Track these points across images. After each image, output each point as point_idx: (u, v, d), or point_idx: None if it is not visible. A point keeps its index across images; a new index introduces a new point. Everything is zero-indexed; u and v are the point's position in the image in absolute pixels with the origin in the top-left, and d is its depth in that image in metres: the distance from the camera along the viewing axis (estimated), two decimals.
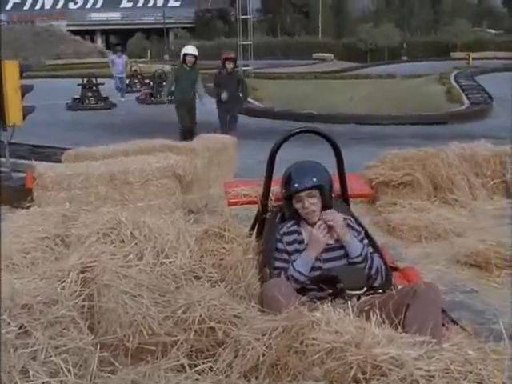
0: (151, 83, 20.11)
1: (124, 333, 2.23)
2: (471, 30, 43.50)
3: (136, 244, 2.87)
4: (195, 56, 9.37)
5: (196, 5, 53.77)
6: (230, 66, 9.70)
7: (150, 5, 55.10)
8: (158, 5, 55.08)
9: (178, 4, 50.90)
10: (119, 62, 19.11)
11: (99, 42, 55.85)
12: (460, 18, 44.88)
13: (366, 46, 41.40)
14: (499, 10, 52.98)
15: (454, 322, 2.85)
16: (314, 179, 2.77)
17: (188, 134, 9.09)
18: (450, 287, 4.00)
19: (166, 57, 47.33)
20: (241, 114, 16.08)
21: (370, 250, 2.87)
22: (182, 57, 9.48)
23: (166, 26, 49.68)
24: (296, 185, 2.78)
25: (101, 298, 2.41)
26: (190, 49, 9.63)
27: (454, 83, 20.84)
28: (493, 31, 46.55)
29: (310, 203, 2.79)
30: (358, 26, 47.48)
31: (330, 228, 2.76)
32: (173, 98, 10.34)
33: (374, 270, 2.78)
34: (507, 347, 2.04)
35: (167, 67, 28.52)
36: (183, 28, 52.76)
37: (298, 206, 2.83)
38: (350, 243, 2.78)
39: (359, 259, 2.77)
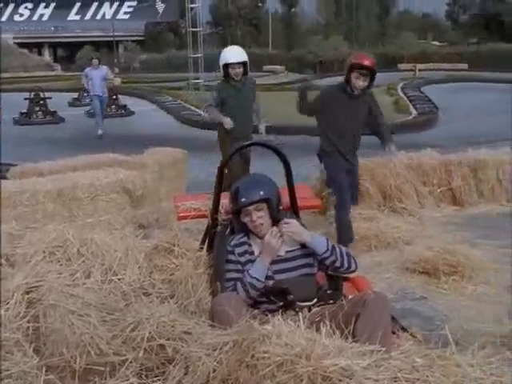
0: None
1: (71, 354, 2.17)
2: (417, 43, 44.71)
3: (83, 262, 2.81)
4: (244, 64, 5.53)
5: (145, 17, 53.47)
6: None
7: (98, 17, 54.49)
8: (106, 17, 54.51)
9: (127, 17, 50.54)
10: (97, 76, 13.69)
11: (47, 55, 54.89)
12: (406, 31, 46.10)
13: (315, 58, 41.99)
14: (443, 23, 54.71)
15: (404, 330, 2.88)
16: (261, 192, 2.78)
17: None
18: (401, 294, 4.06)
19: (116, 70, 46.83)
20: (192, 126, 16.17)
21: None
22: (222, 69, 5.63)
23: (116, 38, 49.23)
24: (243, 199, 2.78)
25: (47, 318, 2.34)
26: (235, 54, 5.57)
27: (401, 94, 21.35)
28: (437, 43, 47.98)
29: (258, 217, 2.79)
30: (308, 39, 48.18)
31: (292, 235, 2.77)
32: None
33: (345, 259, 2.82)
34: (454, 353, 2.08)
35: (117, 80, 28.25)
36: (133, 41, 52.39)
37: (246, 219, 2.83)
38: (313, 242, 2.80)
39: (328, 253, 2.78)
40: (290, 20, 57.45)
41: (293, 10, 58.57)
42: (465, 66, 35.19)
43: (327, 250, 2.79)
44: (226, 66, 5.54)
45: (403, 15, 56.12)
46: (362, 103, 4.86)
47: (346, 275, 2.94)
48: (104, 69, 14.20)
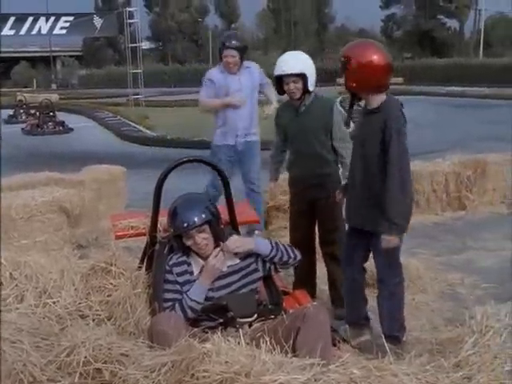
0: (37, 113, 19.35)
1: (3, 383, 2.09)
2: None
3: (16, 285, 2.71)
4: (302, 76, 3.67)
5: (83, 33, 52.62)
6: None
7: (34, 32, 53.14)
8: (42, 32, 53.23)
9: (64, 32, 49.49)
10: None
11: None
12: (343, 46, 47.07)
13: None
14: (378, 38, 56.28)
15: (345, 341, 2.92)
16: (203, 215, 2.76)
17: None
18: None
19: (54, 86, 45.92)
20: (132, 142, 15.99)
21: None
22: (275, 83, 3.86)
23: (53, 54, 48.24)
24: (185, 224, 2.75)
25: None
26: (288, 61, 3.74)
27: (340, 108, 21.77)
28: None
29: (202, 238, 2.78)
30: (248, 54, 48.57)
31: (238, 249, 2.80)
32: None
33: (290, 251, 2.90)
34: (391, 362, 2.12)
35: (55, 96, 27.69)
36: (71, 56, 51.48)
37: (189, 242, 2.81)
38: (257, 247, 2.84)
39: (274, 251, 2.84)
40: None
41: (233, 25, 59.06)
42: (400, 80, 36.25)
43: (272, 248, 2.86)
44: (279, 79, 3.82)
45: (340, 31, 57.47)
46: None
47: (292, 266, 3.03)
48: None
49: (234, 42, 5.22)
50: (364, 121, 3.23)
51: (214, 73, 5.48)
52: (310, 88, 3.69)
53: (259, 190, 5.35)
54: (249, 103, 5.37)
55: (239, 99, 5.29)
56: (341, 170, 3.89)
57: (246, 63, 5.39)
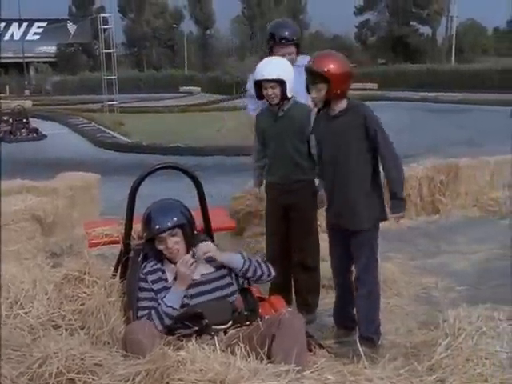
0: (10, 120, 19.09)
1: None
2: None
3: None
4: (281, 82, 3.65)
5: (57, 39, 52.14)
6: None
7: (6, 38, 52.54)
8: (15, 38, 52.67)
9: (37, 38, 49.14)
10: None
11: None
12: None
13: (231, 79, 42.40)
14: (353, 44, 56.77)
15: (320, 346, 2.93)
16: (175, 218, 2.76)
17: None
18: (318, 310, 4.10)
19: (27, 92, 45.34)
20: (107, 148, 15.88)
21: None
22: (255, 88, 3.81)
23: (26, 60, 47.69)
24: (157, 226, 2.75)
25: None
26: (267, 66, 3.74)
27: None
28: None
29: (174, 242, 2.77)
30: (223, 60, 48.63)
31: (209, 260, 2.79)
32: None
33: (264, 267, 2.89)
34: (366, 367, 2.14)
35: (28, 103, 27.36)
36: (44, 62, 50.93)
37: (161, 247, 2.80)
38: (230, 260, 2.83)
39: (247, 265, 2.84)
40: (206, 41, 57.89)
41: (208, 31, 59.09)
42: (374, 85, 36.63)
43: (245, 261, 2.84)
44: (258, 84, 3.81)
45: (314, 37, 57.81)
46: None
47: (267, 282, 3.00)
48: None
49: (287, 33, 4.10)
50: (332, 124, 3.31)
51: None
52: (289, 94, 3.69)
53: None
54: None
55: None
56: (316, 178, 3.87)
57: (299, 59, 4.07)
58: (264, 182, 4.15)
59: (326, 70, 3.15)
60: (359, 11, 54.50)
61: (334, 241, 3.52)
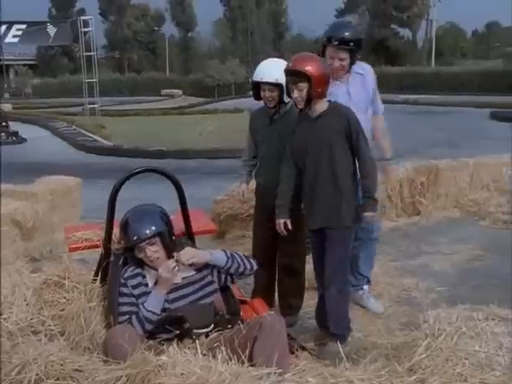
0: None
1: None
2: None
3: None
4: (279, 86, 3.62)
5: (36, 41, 51.61)
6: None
7: None
8: None
9: (16, 40, 48.53)
10: None
11: None
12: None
13: (213, 82, 42.40)
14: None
15: (303, 348, 2.93)
16: (153, 227, 2.75)
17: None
18: (301, 313, 4.10)
19: (7, 95, 44.86)
20: (88, 152, 15.78)
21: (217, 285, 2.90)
22: (252, 89, 3.84)
23: (5, 62, 47.15)
24: (135, 237, 2.74)
25: None
26: (267, 68, 3.73)
27: None
28: None
29: (153, 251, 2.76)
30: (205, 63, 48.62)
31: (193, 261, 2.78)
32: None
33: (246, 261, 2.91)
34: (347, 369, 2.15)
35: (8, 106, 27.07)
36: (24, 65, 50.46)
37: (141, 255, 2.80)
38: (213, 258, 2.83)
39: (230, 262, 2.84)
40: (187, 44, 57.81)
41: (189, 34, 59.00)
42: None
43: (228, 259, 2.85)
44: (256, 86, 3.81)
45: (295, 40, 58.06)
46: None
47: (249, 276, 3.02)
48: None
49: (347, 34, 3.66)
50: (315, 125, 3.33)
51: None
52: (285, 99, 3.67)
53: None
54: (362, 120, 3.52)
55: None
56: None
57: (356, 67, 3.83)
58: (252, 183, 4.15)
59: (306, 68, 3.18)
60: (340, 14, 54.82)
61: (314, 242, 3.54)
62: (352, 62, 3.73)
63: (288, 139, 3.61)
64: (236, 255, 2.92)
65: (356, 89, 3.81)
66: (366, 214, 3.33)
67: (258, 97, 3.77)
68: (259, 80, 3.68)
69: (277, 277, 4.04)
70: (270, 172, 3.78)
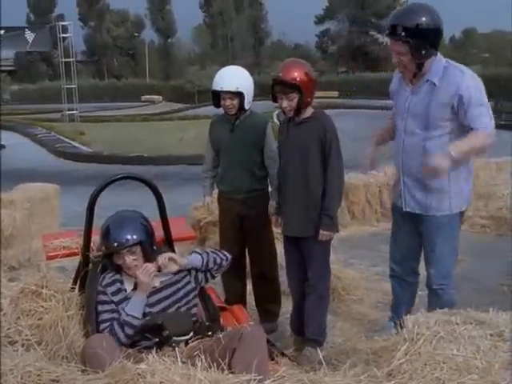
0: None
1: None
2: None
3: None
4: (239, 94, 3.64)
5: (14, 47, 51.18)
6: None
7: None
8: None
9: None
10: None
11: None
12: (279, 61, 47.83)
13: (193, 88, 42.35)
14: (313, 53, 57.41)
15: (283, 354, 2.93)
16: (134, 236, 2.72)
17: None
18: (280, 319, 4.10)
19: None
20: (67, 159, 15.63)
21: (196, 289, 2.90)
22: (212, 97, 3.77)
23: None
24: (115, 244, 2.71)
25: None
26: (226, 77, 3.70)
27: (276, 120, 22.03)
28: None
29: (132, 259, 2.74)
30: (185, 69, 48.59)
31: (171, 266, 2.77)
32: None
33: (220, 255, 2.91)
34: (326, 374, 2.15)
35: None
36: (3, 71, 49.94)
37: (119, 262, 2.77)
38: (190, 261, 2.82)
39: (205, 259, 2.84)
40: (167, 50, 57.77)
41: (169, 40, 58.96)
42: (335, 93, 37.09)
43: (202, 255, 2.87)
44: (216, 95, 3.77)
45: (276, 46, 58.34)
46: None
47: (227, 267, 2.98)
48: None
49: (403, 21, 2.88)
50: (295, 130, 3.36)
51: (395, 79, 3.40)
52: (246, 106, 3.70)
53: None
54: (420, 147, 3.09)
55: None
56: (270, 188, 3.86)
57: (433, 73, 3.00)
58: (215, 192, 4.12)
59: (298, 79, 3.17)
60: (320, 20, 55.19)
61: (289, 249, 3.54)
62: (417, 59, 2.90)
63: (252, 146, 3.69)
64: (208, 250, 2.96)
65: (418, 99, 3.06)
66: (322, 231, 3.31)
67: (218, 105, 3.77)
68: (219, 89, 3.67)
69: (251, 285, 4.04)
70: (237, 179, 3.78)
